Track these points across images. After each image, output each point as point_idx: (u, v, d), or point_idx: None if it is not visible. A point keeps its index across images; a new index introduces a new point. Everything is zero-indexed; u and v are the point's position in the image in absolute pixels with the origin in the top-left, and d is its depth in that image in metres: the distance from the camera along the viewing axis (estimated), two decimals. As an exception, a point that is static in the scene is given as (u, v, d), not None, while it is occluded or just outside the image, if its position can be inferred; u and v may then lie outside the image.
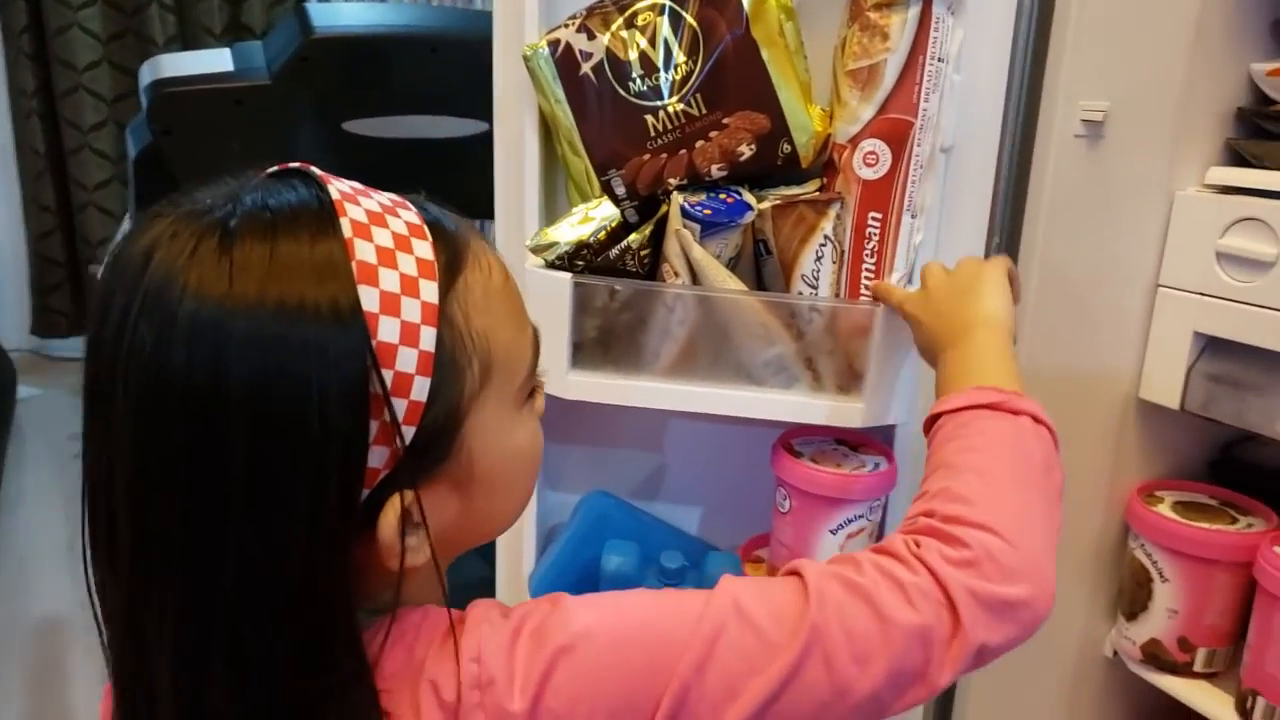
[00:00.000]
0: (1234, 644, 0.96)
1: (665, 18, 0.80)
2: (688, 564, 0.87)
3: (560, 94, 0.81)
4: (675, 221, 0.80)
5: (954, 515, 0.54)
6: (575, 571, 0.89)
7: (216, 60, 1.54)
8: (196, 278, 0.44)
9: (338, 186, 0.48)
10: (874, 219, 0.81)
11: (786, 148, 0.82)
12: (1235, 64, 0.93)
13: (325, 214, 0.46)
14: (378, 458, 0.46)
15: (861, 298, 0.82)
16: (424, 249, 0.48)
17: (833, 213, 0.80)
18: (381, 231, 0.47)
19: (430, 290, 0.47)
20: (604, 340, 0.83)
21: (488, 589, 1.05)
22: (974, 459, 0.58)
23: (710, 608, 0.49)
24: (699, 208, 0.80)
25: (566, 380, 0.83)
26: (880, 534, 0.91)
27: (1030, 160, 0.93)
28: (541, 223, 0.86)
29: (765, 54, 0.79)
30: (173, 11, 2.79)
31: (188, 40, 2.78)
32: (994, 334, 0.68)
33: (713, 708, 0.47)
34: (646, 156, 0.81)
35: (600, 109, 0.81)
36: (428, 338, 0.46)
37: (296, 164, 0.50)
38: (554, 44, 0.81)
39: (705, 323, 0.82)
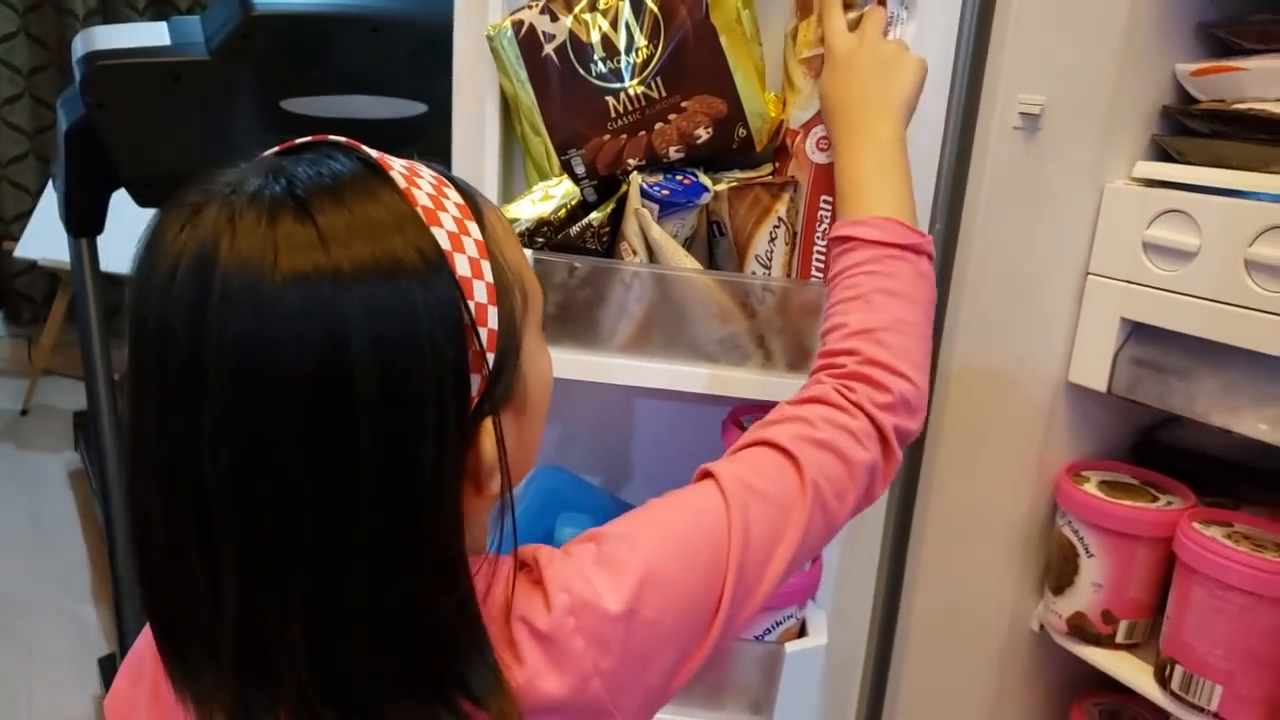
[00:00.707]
0: (1153, 616, 1.02)
1: (627, 2, 0.81)
2: (640, 538, 0.88)
3: (523, 74, 0.82)
4: (634, 201, 0.82)
5: (877, 359, 0.66)
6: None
7: (153, 34, 1.50)
8: (289, 260, 0.44)
9: (365, 149, 0.50)
10: (826, 202, 0.84)
11: (742, 132, 0.84)
12: (1163, 64, 0.99)
13: (376, 171, 0.48)
14: (474, 386, 0.49)
15: (812, 278, 0.85)
16: (454, 195, 0.51)
17: (787, 196, 0.82)
18: (422, 180, 0.50)
19: (475, 229, 0.51)
20: (563, 316, 0.84)
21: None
22: (891, 305, 0.68)
23: (730, 498, 0.57)
24: (658, 188, 0.82)
25: (524, 356, 0.84)
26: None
27: (970, 150, 0.97)
28: (499, 201, 0.87)
29: (723, 40, 0.81)
30: (94, -17, 2.72)
31: (109, 14, 2.70)
32: (896, 137, 0.75)
33: (757, 576, 0.57)
34: (607, 137, 0.83)
35: (562, 90, 0.82)
36: (488, 270, 0.50)
37: (308, 137, 0.51)
38: (517, 25, 0.82)
39: (662, 301, 0.84)
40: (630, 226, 0.83)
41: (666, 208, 0.82)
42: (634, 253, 0.83)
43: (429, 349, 0.46)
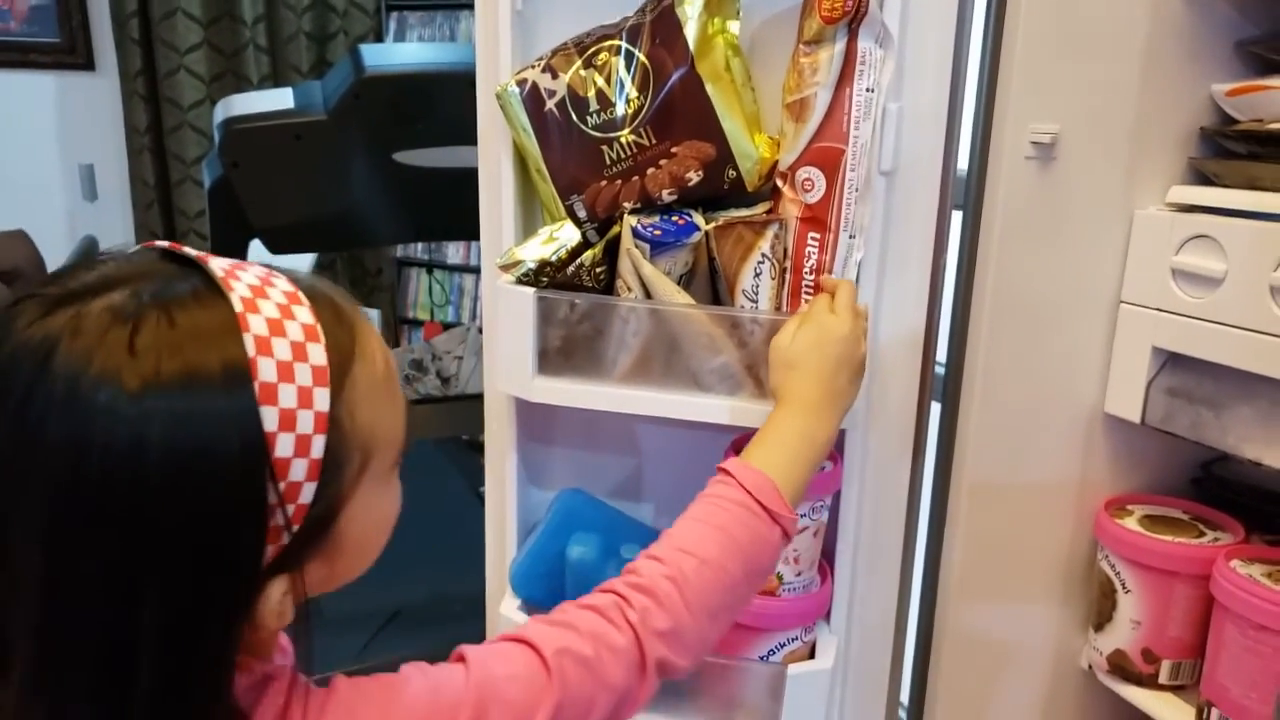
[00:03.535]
0: (1199, 657, 0.97)
1: (620, 57, 0.87)
2: (646, 557, 0.93)
3: (528, 126, 0.90)
4: (627, 241, 0.88)
5: (679, 582, 0.65)
6: (546, 562, 0.97)
7: (279, 99, 1.68)
8: (112, 380, 0.45)
9: (239, 291, 0.49)
10: (813, 239, 0.87)
11: (732, 173, 0.88)
12: (1196, 84, 0.96)
13: (229, 326, 0.48)
14: (267, 554, 0.50)
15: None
16: (318, 354, 0.50)
17: (770, 233, 0.86)
18: (281, 343, 0.49)
19: (323, 399, 0.50)
20: (566, 349, 0.91)
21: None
22: (725, 553, 0.68)
23: (471, 691, 0.57)
24: (650, 229, 0.88)
25: (532, 385, 0.91)
26: (827, 532, 0.96)
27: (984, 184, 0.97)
28: (518, 242, 0.95)
29: (710, 88, 0.86)
30: (266, 53, 3.01)
31: (279, 78, 2.99)
32: (828, 438, 0.78)
33: None
34: (604, 183, 0.89)
35: (562, 140, 0.89)
36: (318, 446, 0.49)
37: (189, 251, 0.51)
38: (522, 83, 0.90)
39: (657, 333, 0.89)
40: (624, 265, 0.88)
41: (657, 247, 0.87)
42: (629, 289, 0.89)
43: (226, 520, 0.47)
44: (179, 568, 0.46)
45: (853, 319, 0.81)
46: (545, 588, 0.98)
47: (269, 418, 0.47)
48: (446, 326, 2.69)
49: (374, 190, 1.76)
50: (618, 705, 0.62)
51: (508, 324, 0.91)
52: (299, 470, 0.49)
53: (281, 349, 0.48)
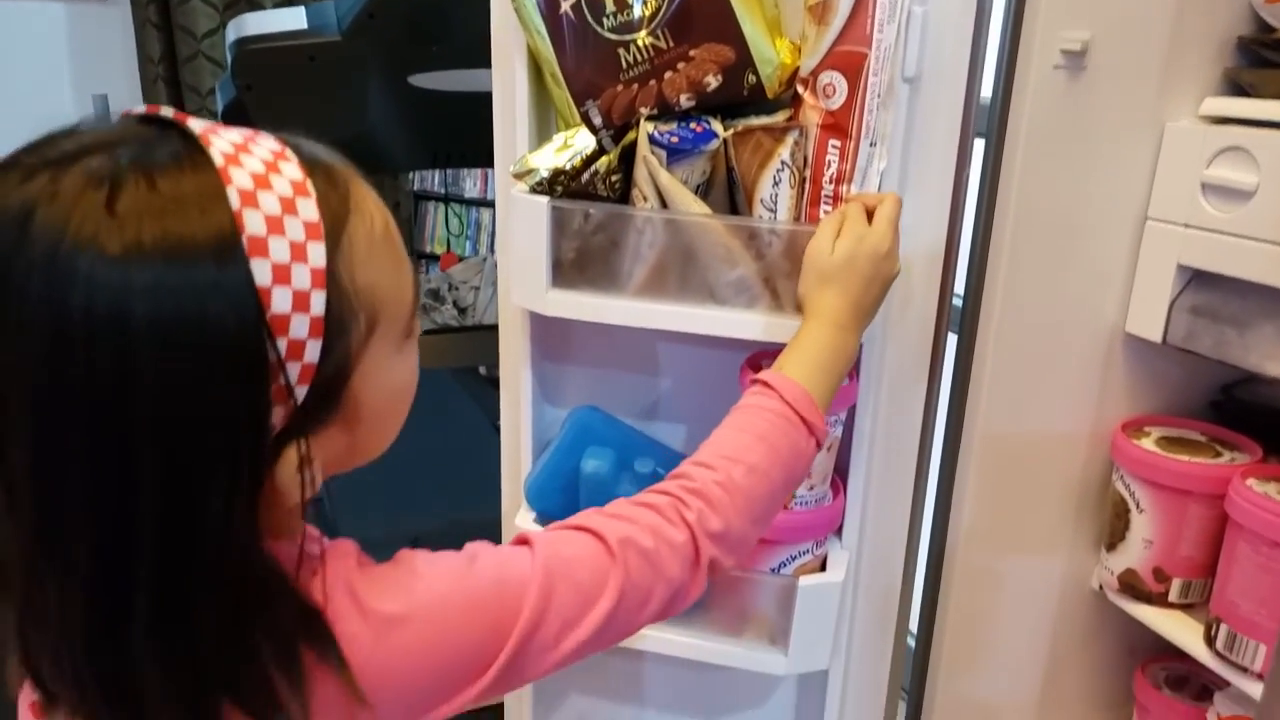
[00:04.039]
0: (1209, 576, 0.97)
1: (638, -43, 0.85)
2: (659, 470, 0.93)
3: (542, 29, 0.88)
4: (644, 148, 0.86)
5: (728, 487, 0.66)
6: (562, 476, 0.97)
7: (292, 19, 1.65)
8: (91, 244, 0.43)
9: (219, 146, 0.47)
10: (833, 146, 0.85)
11: (752, 79, 0.86)
12: (1235, -7, 0.93)
13: (211, 185, 0.46)
14: (275, 416, 0.48)
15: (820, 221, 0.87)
16: (309, 209, 0.48)
17: (790, 140, 0.84)
18: (268, 196, 0.47)
19: (318, 254, 0.48)
20: (580, 261, 0.90)
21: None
22: (765, 460, 0.69)
23: (538, 575, 0.58)
24: (667, 135, 0.86)
25: (546, 298, 0.90)
26: (841, 447, 0.96)
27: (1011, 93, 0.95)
28: (533, 151, 0.93)
29: (730, -11, 0.84)
30: (281, -21, 2.97)
31: (296, 3, 2.94)
32: (853, 350, 0.79)
33: (539, 655, 0.58)
34: (620, 87, 0.87)
35: (577, 43, 0.87)
36: (318, 302, 0.48)
37: (166, 112, 0.49)
38: (537, -16, 0.87)
39: (673, 245, 0.88)
40: (640, 173, 0.87)
41: (674, 154, 0.86)
42: (644, 199, 0.88)
43: (221, 379, 0.45)
44: (177, 435, 0.45)
45: (893, 235, 0.80)
46: (560, 502, 0.98)
47: (260, 271, 0.46)
48: (463, 259, 2.68)
49: (389, 114, 1.73)
50: (672, 599, 0.64)
51: (521, 235, 0.90)
52: (300, 327, 0.47)
53: (269, 202, 0.47)
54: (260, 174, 0.47)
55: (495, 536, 1.13)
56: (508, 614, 0.56)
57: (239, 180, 0.46)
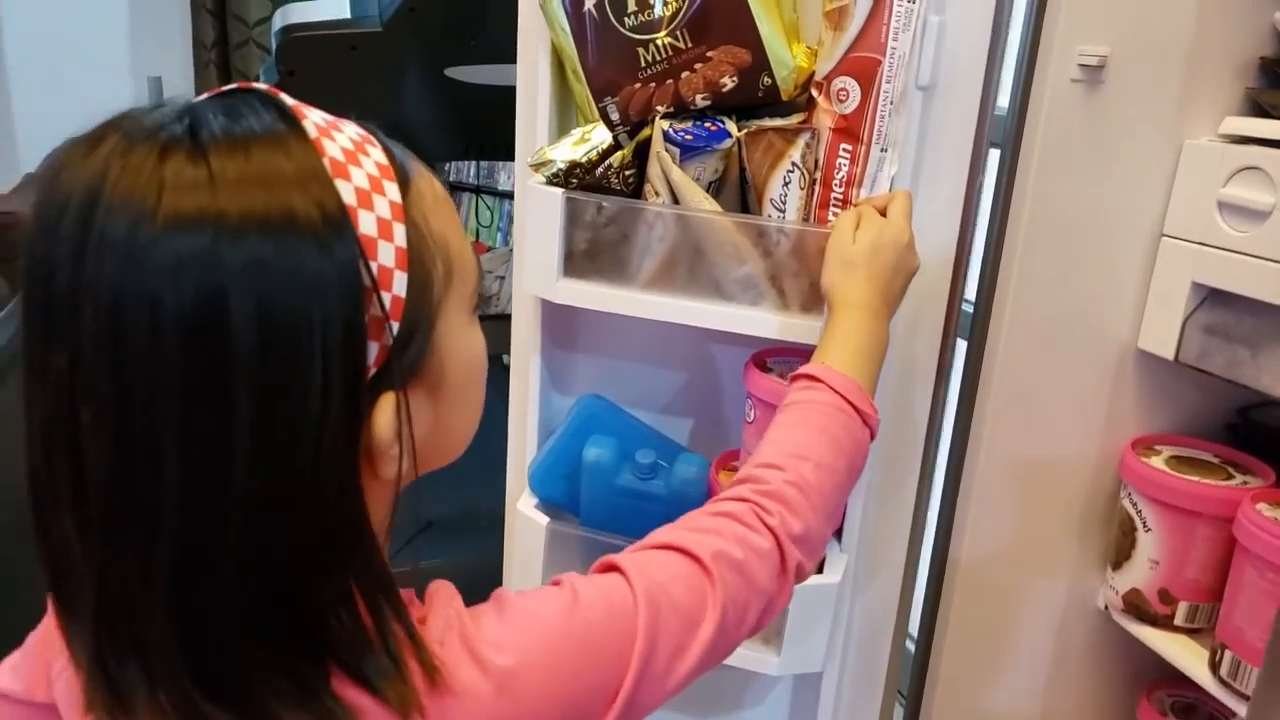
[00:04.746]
0: (1218, 600, 0.96)
1: (661, -43, 0.86)
2: (660, 462, 0.94)
3: (566, 26, 0.89)
4: (658, 144, 0.87)
5: (802, 485, 0.65)
6: (565, 463, 0.99)
7: (336, 8, 1.69)
8: (172, 201, 0.42)
9: (286, 98, 0.48)
10: (845, 150, 0.86)
11: (767, 81, 0.87)
12: (1258, 11, 0.93)
13: (288, 119, 0.46)
14: (371, 353, 0.47)
15: (829, 223, 0.87)
16: (378, 154, 0.49)
17: (801, 142, 0.85)
18: (340, 135, 0.48)
19: (393, 190, 0.48)
20: (592, 252, 0.91)
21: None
22: (830, 452, 0.68)
23: (642, 601, 0.55)
24: (681, 133, 0.87)
25: (557, 287, 0.92)
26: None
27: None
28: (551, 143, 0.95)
29: (749, -8, 0.85)
30: (333, -29, 3.02)
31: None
32: (886, 337, 0.79)
33: (657, 684, 0.55)
34: (638, 85, 0.89)
35: (599, 41, 0.88)
36: (400, 233, 0.48)
37: (235, 84, 0.50)
38: (562, -19, 0.89)
39: (682, 239, 0.89)
40: (653, 169, 0.88)
41: (688, 151, 0.87)
42: (656, 194, 0.89)
43: (317, 306, 0.44)
44: (272, 357, 0.43)
45: (910, 228, 0.81)
46: (563, 488, 0.99)
47: (345, 191, 0.46)
48: (492, 249, 2.71)
49: (425, 104, 1.76)
50: (765, 610, 0.62)
51: (536, 224, 0.92)
52: (387, 254, 0.47)
53: (342, 139, 0.48)
54: (330, 120, 0.49)
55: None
56: (621, 650, 0.53)
57: (313, 117, 0.48)
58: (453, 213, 0.55)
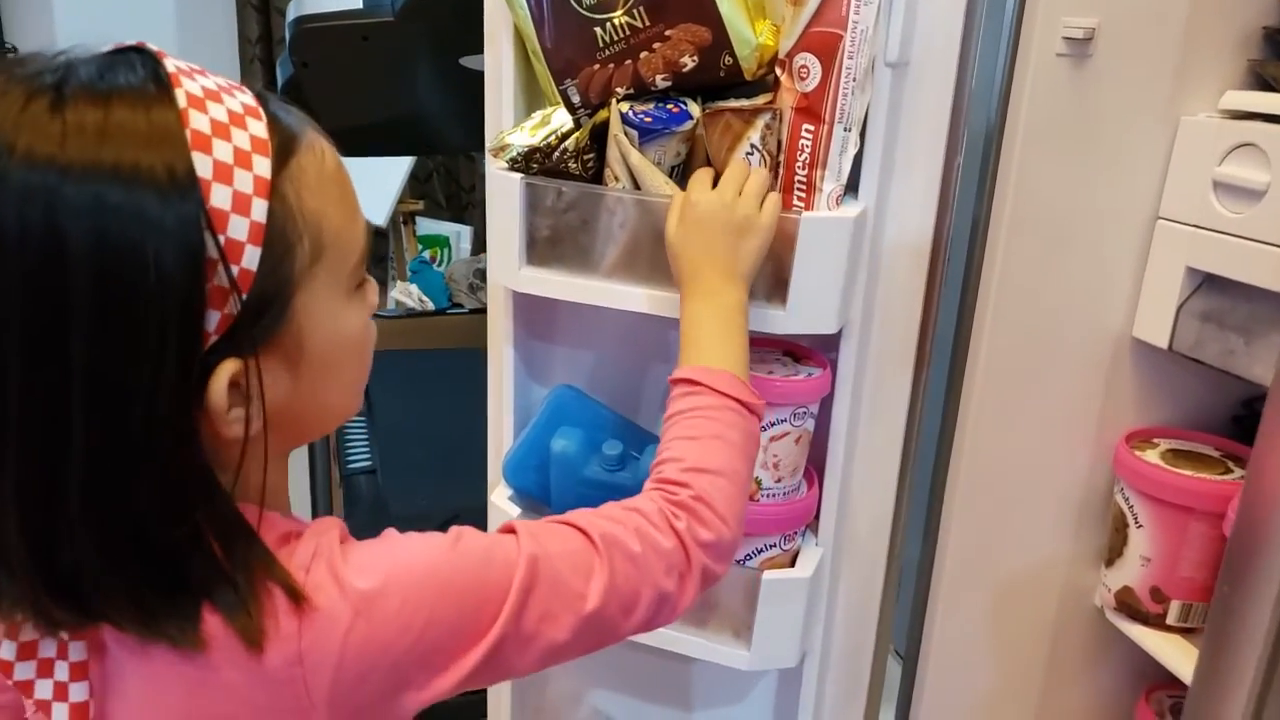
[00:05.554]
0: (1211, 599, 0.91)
1: (618, -65, 0.84)
2: (630, 452, 0.92)
3: (524, 7, 0.88)
4: (615, 127, 0.85)
5: (707, 499, 0.66)
6: (536, 454, 0.97)
7: (349, -1, 1.70)
8: (26, 139, 0.45)
9: (174, 62, 0.50)
10: (807, 131, 0.83)
11: (728, 60, 0.85)
12: (1261, -19, 0.87)
13: (160, 83, 0.49)
14: (211, 321, 0.48)
15: (794, 208, 0.84)
16: (258, 128, 0.51)
17: (760, 122, 0.82)
18: (217, 106, 0.49)
19: (263, 165, 0.50)
20: (554, 239, 0.90)
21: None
22: (725, 454, 0.69)
23: (523, 567, 0.57)
24: (640, 115, 0.85)
25: (519, 275, 0.90)
26: (816, 441, 0.93)
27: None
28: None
29: (708, -32, 0.82)
30: (372, -35, 3.04)
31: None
32: (740, 302, 0.77)
33: (515, 651, 0.57)
34: (597, 66, 0.86)
35: (556, 21, 0.86)
36: (259, 209, 0.49)
37: (132, 42, 0.51)
38: (520, -39, 0.87)
39: (644, 226, 0.87)
40: (613, 153, 0.86)
41: (647, 134, 0.85)
42: (616, 179, 0.87)
43: (153, 267, 0.46)
44: (109, 307, 0.46)
45: (731, 190, 0.79)
46: (535, 480, 0.98)
47: (202, 163, 0.47)
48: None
49: (441, 94, 1.76)
50: (659, 607, 0.63)
51: (497, 211, 0.91)
52: (239, 228, 0.48)
53: (218, 111, 0.49)
54: (213, 90, 0.50)
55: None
56: (489, 598, 0.55)
57: (189, 87, 0.49)
58: (340, 190, 0.56)
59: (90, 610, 0.51)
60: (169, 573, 0.50)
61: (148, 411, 0.47)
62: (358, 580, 0.52)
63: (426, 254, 2.96)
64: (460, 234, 3.19)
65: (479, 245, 3.33)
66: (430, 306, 2.26)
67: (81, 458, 0.47)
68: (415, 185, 3.17)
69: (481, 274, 2.00)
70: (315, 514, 1.90)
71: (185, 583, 0.50)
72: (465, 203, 3.35)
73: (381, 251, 2.65)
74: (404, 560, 0.55)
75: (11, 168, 0.45)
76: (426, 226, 3.07)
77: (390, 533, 0.57)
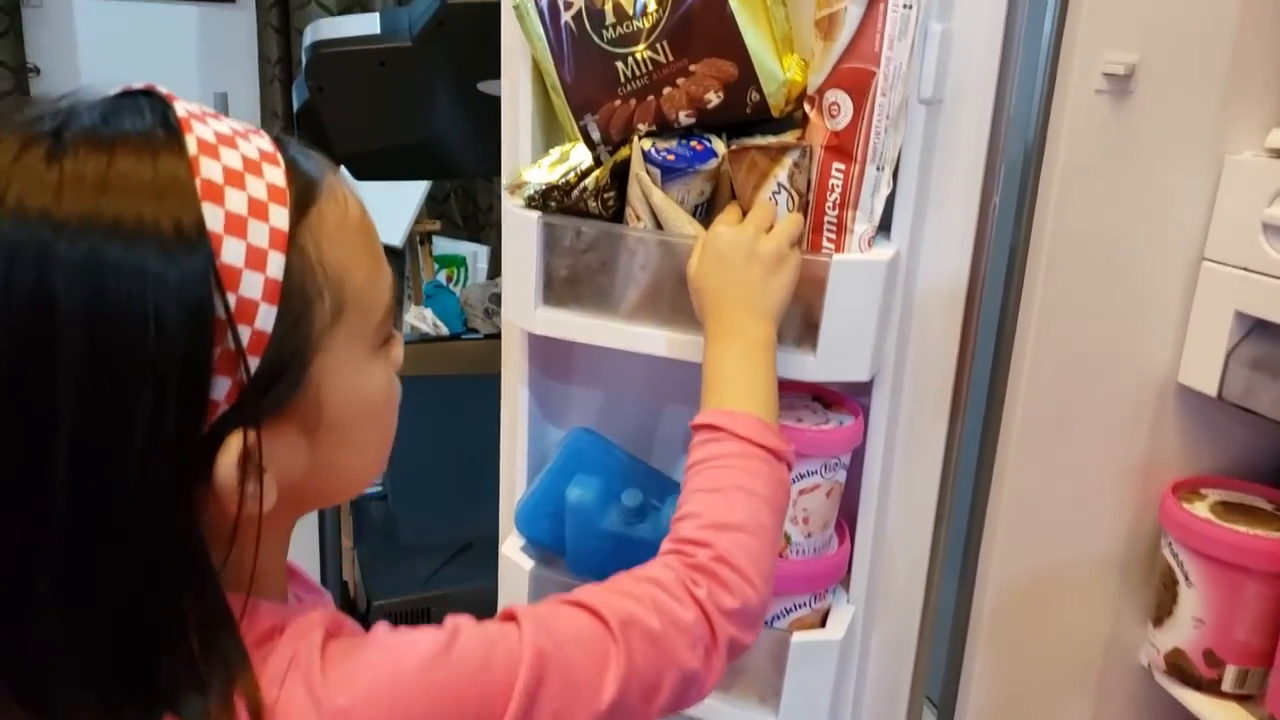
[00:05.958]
0: (1271, 665, 0.86)
1: (641, -34, 0.81)
2: (651, 502, 0.88)
3: (543, 40, 0.84)
4: (637, 165, 0.82)
5: (729, 559, 0.60)
6: (551, 502, 0.93)
7: (366, 24, 1.66)
8: (18, 190, 0.42)
9: (185, 106, 0.47)
10: (838, 170, 0.79)
11: (755, 96, 0.81)
12: (1313, 13, 0.83)
13: (169, 129, 0.45)
14: (220, 389, 0.44)
15: (823, 250, 0.81)
16: (275, 175, 0.46)
17: (788, 160, 0.79)
18: (230, 152, 0.45)
19: (280, 215, 0.45)
20: (572, 280, 0.86)
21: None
22: (750, 506, 0.63)
23: (528, 659, 0.50)
24: (663, 153, 0.81)
25: (535, 315, 0.87)
26: (847, 492, 0.89)
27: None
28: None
29: (734, 2, 0.79)
30: (392, -14, 3.04)
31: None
32: (767, 339, 0.73)
33: None
34: (618, 102, 0.83)
35: (576, 55, 0.83)
36: (275, 264, 0.45)
37: (142, 84, 0.48)
38: (540, -8, 0.84)
39: (666, 267, 0.83)
40: (634, 192, 0.83)
41: (669, 172, 0.81)
42: (638, 218, 0.83)
43: (152, 327, 0.41)
44: (100, 371, 0.41)
45: (753, 228, 0.75)
46: (548, 528, 0.94)
47: (213, 216, 0.43)
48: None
49: (457, 119, 1.73)
50: (685, 687, 0.57)
51: (513, 250, 0.87)
52: (253, 285, 0.44)
53: (231, 158, 0.45)
54: (227, 134, 0.46)
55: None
56: (490, 709, 0.49)
57: (200, 132, 0.45)
58: (364, 240, 0.51)
59: (54, 712, 0.45)
60: (138, 671, 0.45)
61: (137, 489, 0.43)
62: (338, 696, 0.46)
63: (443, 275, 2.94)
64: (478, 253, 3.16)
65: (496, 265, 3.31)
66: (444, 331, 2.23)
67: (60, 538, 0.42)
68: (432, 205, 3.16)
69: (497, 299, 1.97)
70: (324, 548, 1.85)
71: (154, 684, 0.45)
72: (483, 223, 3.34)
73: (397, 269, 2.63)
74: (390, 669, 0.48)
75: (3, 217, 0.41)
76: (443, 246, 3.05)
77: (379, 631, 0.51)
